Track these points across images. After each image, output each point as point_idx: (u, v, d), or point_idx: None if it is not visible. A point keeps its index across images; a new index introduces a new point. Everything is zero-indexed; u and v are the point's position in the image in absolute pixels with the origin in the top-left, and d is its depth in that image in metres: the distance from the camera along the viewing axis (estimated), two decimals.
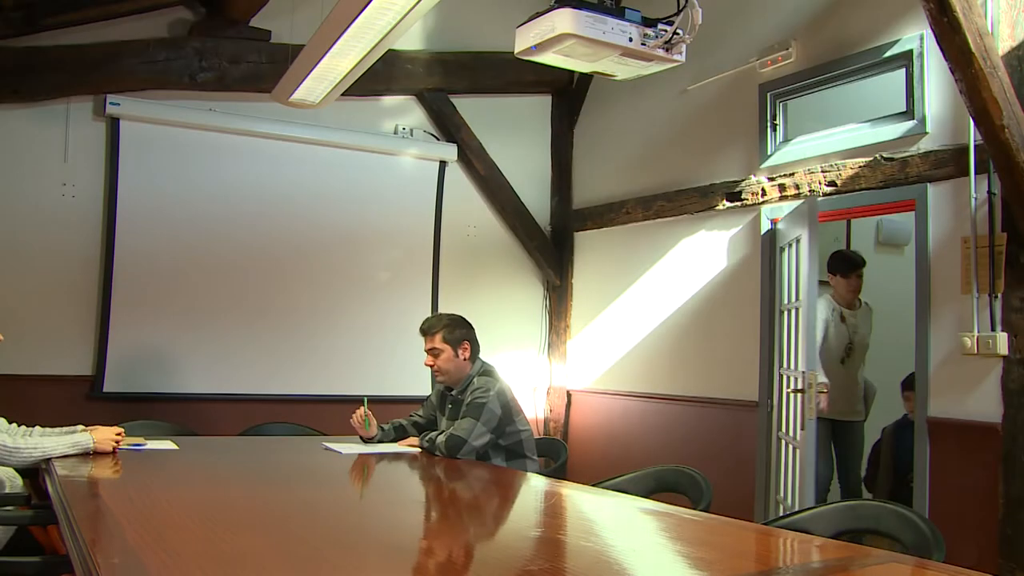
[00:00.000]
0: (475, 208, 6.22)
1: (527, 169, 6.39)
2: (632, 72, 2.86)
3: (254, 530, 2.24)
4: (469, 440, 3.52)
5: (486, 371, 3.78)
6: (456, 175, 6.15)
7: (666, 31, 2.72)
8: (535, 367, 6.35)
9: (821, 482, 4.94)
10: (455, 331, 3.75)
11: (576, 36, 2.59)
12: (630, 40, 2.68)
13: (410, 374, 5.67)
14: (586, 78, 6.31)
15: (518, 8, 6.18)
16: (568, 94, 6.48)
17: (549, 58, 2.77)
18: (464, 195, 6.18)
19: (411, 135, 5.98)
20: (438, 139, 6.08)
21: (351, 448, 3.71)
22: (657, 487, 3.33)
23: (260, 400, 5.44)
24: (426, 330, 3.79)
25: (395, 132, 5.95)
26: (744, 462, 4.82)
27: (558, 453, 3.98)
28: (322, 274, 5.71)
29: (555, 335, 6.36)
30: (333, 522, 2.44)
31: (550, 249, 6.36)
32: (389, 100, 5.96)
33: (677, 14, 2.70)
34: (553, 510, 2.81)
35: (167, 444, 3.63)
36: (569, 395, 6.25)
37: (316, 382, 5.64)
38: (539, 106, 6.50)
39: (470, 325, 3.83)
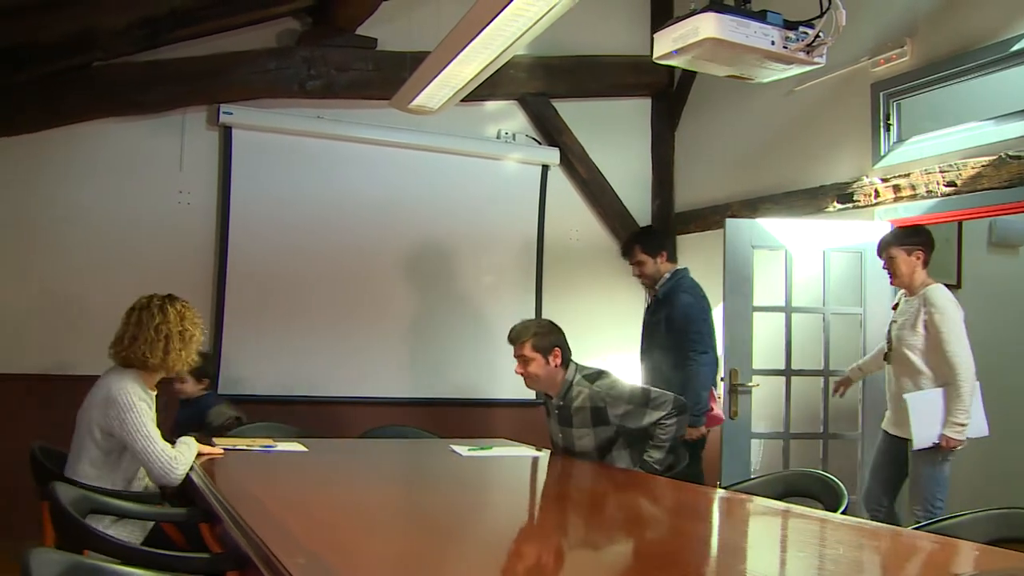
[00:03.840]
0: (577, 212, 6.23)
1: (628, 172, 6.39)
2: (771, 75, 2.85)
3: (422, 532, 2.28)
4: (675, 399, 3.53)
5: (589, 375, 3.67)
6: (558, 179, 6.19)
7: (807, 33, 2.70)
8: (638, 372, 6.31)
9: (870, 497, 4.45)
10: (544, 339, 3.65)
11: (720, 40, 2.58)
12: (772, 43, 2.66)
13: (515, 378, 5.70)
14: (687, 80, 6.28)
15: (619, 11, 6.29)
16: (668, 96, 6.46)
17: (688, 62, 2.77)
18: (566, 199, 6.20)
19: (513, 139, 6.02)
20: (540, 143, 6.11)
21: (477, 451, 3.74)
22: (787, 491, 3.29)
23: (372, 403, 5.54)
24: (514, 339, 3.70)
25: (498, 137, 6.01)
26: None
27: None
28: (428, 278, 5.79)
29: None
30: (498, 525, 2.47)
31: None
32: (492, 105, 6.02)
33: (820, 16, 2.67)
34: (702, 515, 2.81)
35: (296, 446, 3.70)
36: None
37: (423, 385, 5.72)
38: (639, 109, 6.49)
39: (559, 330, 3.73)
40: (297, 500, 2.63)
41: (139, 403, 3.03)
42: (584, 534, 2.43)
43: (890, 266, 4.20)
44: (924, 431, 4.00)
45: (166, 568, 2.20)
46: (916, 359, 4.09)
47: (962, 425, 3.89)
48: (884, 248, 4.22)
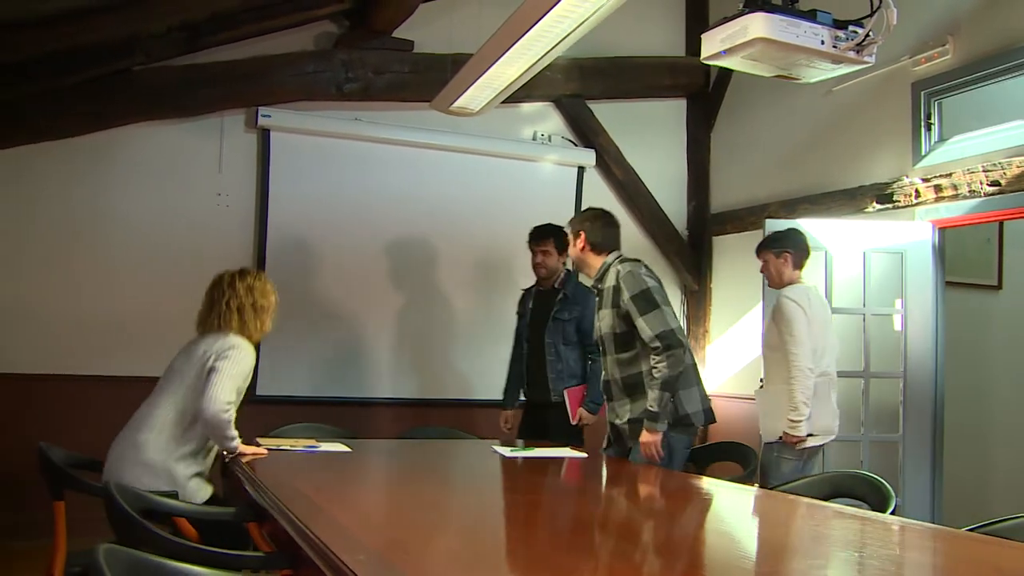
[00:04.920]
0: (613, 213, 6.17)
1: (663, 173, 6.39)
2: (819, 75, 2.84)
3: (478, 530, 2.29)
4: (664, 330, 3.50)
5: (623, 259, 3.84)
6: (594, 180, 6.18)
7: (857, 32, 2.69)
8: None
9: None
10: (576, 224, 3.93)
11: (769, 40, 2.57)
12: (822, 43, 2.65)
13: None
14: (723, 81, 6.26)
15: (654, 13, 6.27)
16: (703, 97, 6.44)
17: (736, 62, 2.76)
18: (603, 200, 6.10)
19: (549, 141, 6.03)
20: (576, 145, 6.11)
21: (519, 452, 3.74)
22: (833, 492, 3.26)
23: (407, 404, 5.57)
24: None
25: (534, 138, 6.02)
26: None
27: (747, 459, 3.88)
28: (464, 280, 5.81)
29: (693, 340, 6.30)
30: (550, 523, 2.47)
31: (687, 253, 6.34)
32: (528, 107, 6.03)
33: (870, 16, 2.66)
34: (750, 516, 2.80)
35: (339, 446, 3.70)
36: None
37: (458, 387, 5.74)
38: (675, 110, 6.49)
39: (596, 219, 3.93)
40: (348, 499, 2.64)
41: (246, 357, 3.30)
42: (634, 534, 2.43)
43: (764, 269, 4.30)
44: (770, 425, 4.13)
45: (222, 566, 2.22)
46: (768, 355, 4.22)
47: (795, 421, 3.95)
48: (759, 252, 4.32)
